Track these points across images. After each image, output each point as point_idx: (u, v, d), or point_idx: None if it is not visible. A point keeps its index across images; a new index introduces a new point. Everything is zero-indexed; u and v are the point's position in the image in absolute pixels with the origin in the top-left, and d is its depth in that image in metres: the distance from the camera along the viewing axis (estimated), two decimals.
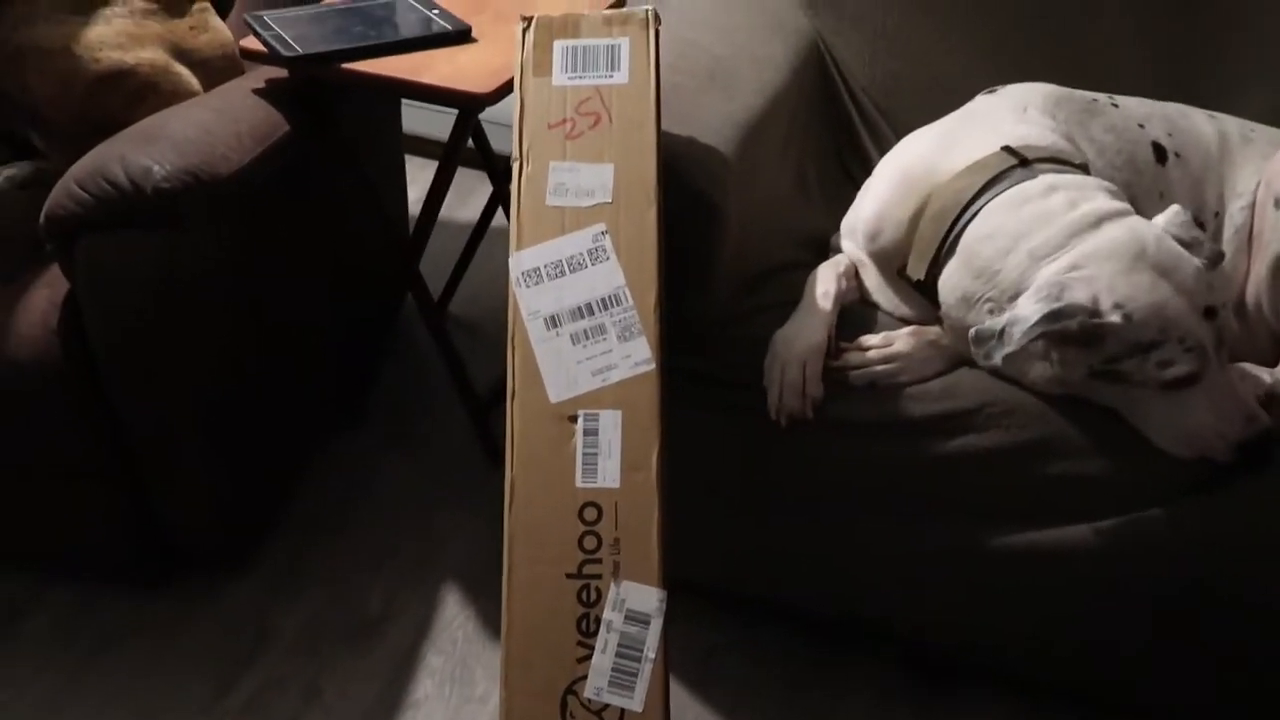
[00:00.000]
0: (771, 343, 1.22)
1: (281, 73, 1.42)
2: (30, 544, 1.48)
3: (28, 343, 1.25)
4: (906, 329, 1.23)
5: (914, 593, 1.31)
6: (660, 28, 1.11)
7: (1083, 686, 1.33)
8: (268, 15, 1.42)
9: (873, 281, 1.31)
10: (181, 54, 1.49)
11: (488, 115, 1.52)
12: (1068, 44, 1.52)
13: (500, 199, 1.90)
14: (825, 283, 1.26)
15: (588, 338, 1.02)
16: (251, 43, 1.41)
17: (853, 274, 1.31)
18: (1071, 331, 1.05)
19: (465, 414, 1.73)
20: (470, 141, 1.66)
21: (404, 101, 1.86)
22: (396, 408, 1.82)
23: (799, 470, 1.26)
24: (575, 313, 1.03)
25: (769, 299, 1.28)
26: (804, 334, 1.21)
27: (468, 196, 2.17)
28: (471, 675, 1.43)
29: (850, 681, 1.42)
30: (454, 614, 1.50)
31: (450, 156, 1.50)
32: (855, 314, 1.28)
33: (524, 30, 1.11)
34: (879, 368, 1.20)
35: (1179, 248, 1.09)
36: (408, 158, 1.99)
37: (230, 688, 1.39)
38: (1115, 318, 1.04)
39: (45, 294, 1.27)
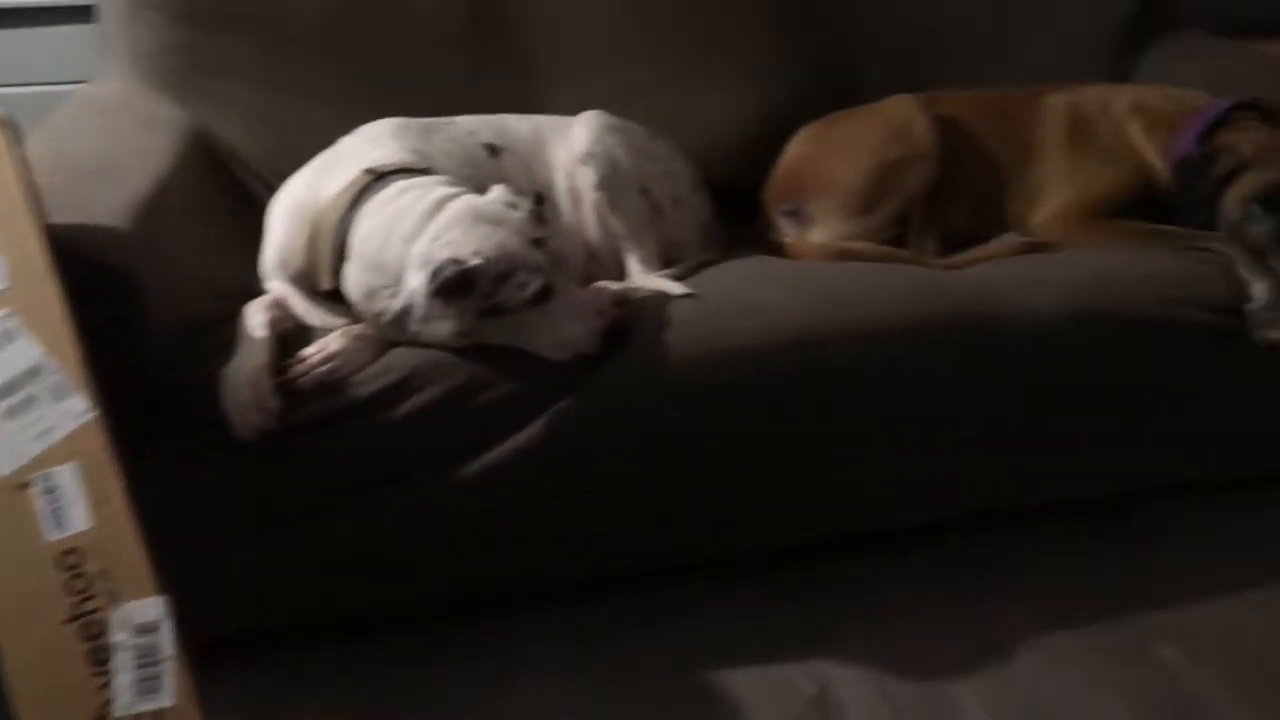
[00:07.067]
0: (221, 377, 1.37)
1: None
2: None
3: None
4: (336, 331, 1.45)
5: (445, 542, 1.53)
6: (21, 134, 1.21)
7: (614, 569, 1.63)
8: None
9: (300, 306, 1.51)
10: None
11: None
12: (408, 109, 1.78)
13: None
14: (254, 315, 1.44)
15: (22, 410, 1.10)
16: None
17: (281, 305, 1.50)
18: (452, 281, 1.34)
19: None
20: None
21: None
22: None
23: (302, 480, 1.43)
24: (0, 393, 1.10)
25: (212, 346, 1.42)
26: (246, 361, 1.38)
27: None
28: None
29: (439, 651, 1.57)
30: None
31: None
32: (298, 339, 1.47)
33: None
34: (321, 369, 1.41)
35: (503, 208, 1.44)
36: None
37: None
38: (476, 261, 1.35)
39: None
